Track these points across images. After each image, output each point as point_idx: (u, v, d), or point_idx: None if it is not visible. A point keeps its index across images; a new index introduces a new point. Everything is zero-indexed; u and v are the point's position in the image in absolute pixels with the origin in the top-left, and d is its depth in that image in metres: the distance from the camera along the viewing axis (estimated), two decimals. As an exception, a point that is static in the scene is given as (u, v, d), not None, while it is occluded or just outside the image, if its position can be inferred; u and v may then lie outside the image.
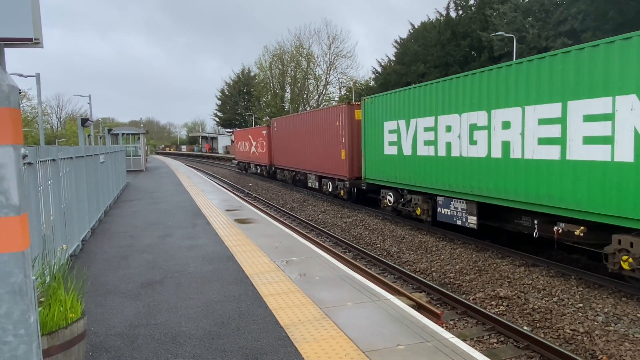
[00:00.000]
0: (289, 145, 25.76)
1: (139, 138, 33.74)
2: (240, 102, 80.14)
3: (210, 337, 4.59)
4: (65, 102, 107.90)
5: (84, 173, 9.58)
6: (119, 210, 13.52)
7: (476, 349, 6.37)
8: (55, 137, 72.79)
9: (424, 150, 13.24)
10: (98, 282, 6.48)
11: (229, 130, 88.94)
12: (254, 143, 34.15)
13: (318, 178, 22.16)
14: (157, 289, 6.12)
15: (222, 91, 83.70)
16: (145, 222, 11.35)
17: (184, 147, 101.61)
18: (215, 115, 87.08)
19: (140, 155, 32.79)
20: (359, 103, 17.69)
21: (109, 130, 30.63)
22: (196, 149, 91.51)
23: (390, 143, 15.06)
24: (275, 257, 7.69)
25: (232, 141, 67.81)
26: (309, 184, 23.41)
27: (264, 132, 30.92)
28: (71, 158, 8.26)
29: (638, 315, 7.20)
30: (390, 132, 15.02)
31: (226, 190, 20.52)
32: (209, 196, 16.82)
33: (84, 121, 18.81)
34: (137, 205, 14.52)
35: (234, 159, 45.82)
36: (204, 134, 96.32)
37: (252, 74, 78.53)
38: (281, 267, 7.06)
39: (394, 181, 14.98)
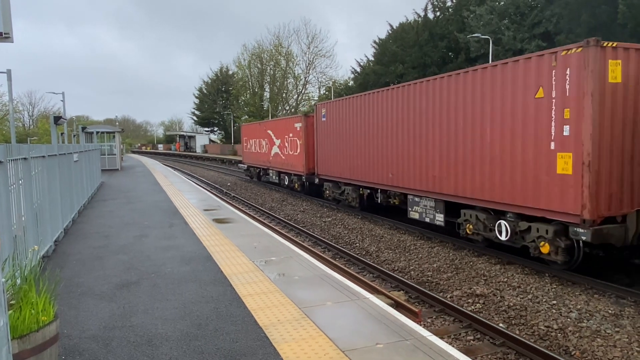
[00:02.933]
0: (356, 145, 16.03)
1: (114, 136, 33.09)
2: (219, 100, 79.44)
3: (187, 339, 4.53)
4: (38, 99, 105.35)
5: (57, 172, 9.34)
6: (93, 211, 13.24)
7: (453, 346, 6.44)
8: (27, 136, 70.93)
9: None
10: (72, 283, 6.33)
11: (207, 129, 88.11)
12: (276, 141, 24.04)
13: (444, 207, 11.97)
14: (132, 291, 6.01)
15: (200, 89, 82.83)
16: (121, 223, 11.13)
17: (160, 146, 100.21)
18: (193, 113, 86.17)
19: (115, 154, 32.18)
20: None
21: (83, 128, 29.96)
22: (173, 148, 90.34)
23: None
24: (254, 257, 7.64)
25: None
26: (414, 215, 13.06)
27: (297, 124, 21.18)
28: (43, 157, 8.04)
29: (609, 311, 7.40)
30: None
31: (204, 190, 20.31)
32: (187, 195, 16.61)
33: (57, 119, 18.36)
34: (112, 205, 14.24)
35: (239, 162, 36.19)
36: (182, 133, 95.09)
37: (230, 72, 78.02)
38: (260, 267, 7.02)
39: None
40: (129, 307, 5.42)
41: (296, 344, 4.35)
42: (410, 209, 13.33)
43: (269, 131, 25.38)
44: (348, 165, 16.66)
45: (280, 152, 23.78)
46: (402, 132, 13.40)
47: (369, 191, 15.91)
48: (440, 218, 12.10)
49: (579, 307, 7.66)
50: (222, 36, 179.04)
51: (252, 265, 7.16)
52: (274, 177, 25.49)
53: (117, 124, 71.95)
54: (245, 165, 31.21)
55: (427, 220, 12.56)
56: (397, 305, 7.53)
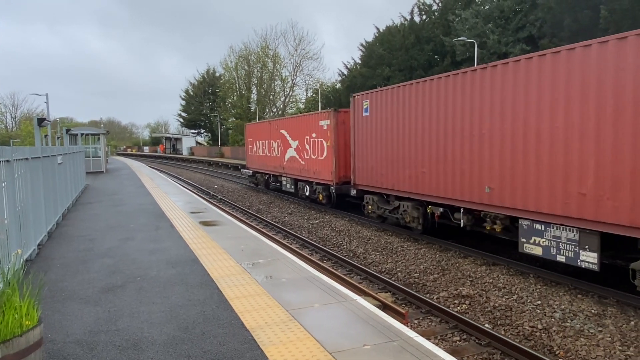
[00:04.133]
0: (421, 146, 12.16)
1: (99, 138, 32.71)
2: (206, 102, 79.05)
3: (174, 342, 4.50)
4: (21, 101, 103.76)
5: (41, 175, 9.21)
6: (77, 213, 13.07)
7: (440, 347, 6.50)
8: (10, 138, 69.74)
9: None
10: (56, 287, 6.24)
11: (193, 131, 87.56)
12: (293, 143, 20.27)
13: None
14: (118, 294, 5.95)
15: (187, 91, 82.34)
16: (106, 225, 11.01)
17: (146, 148, 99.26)
18: (180, 115, 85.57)
19: (100, 157, 31.80)
20: None
21: (67, 130, 29.56)
22: (158, 150, 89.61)
23: None
24: (241, 260, 7.61)
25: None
26: (534, 250, 9.17)
27: (323, 122, 17.35)
28: (27, 159, 7.93)
29: (592, 311, 7.53)
30: None
31: (190, 192, 20.18)
32: (173, 198, 16.49)
33: (41, 121, 18.05)
34: (97, 208, 14.07)
35: (242, 166, 32.55)
36: (168, 135, 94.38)
37: (217, 74, 77.69)
38: (247, 270, 7.00)
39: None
40: (115, 311, 5.37)
41: (284, 346, 4.35)
42: (524, 239, 9.32)
43: (283, 131, 21.33)
44: (407, 174, 12.59)
45: (298, 156, 19.88)
46: (519, 126, 9.18)
47: (441, 210, 11.77)
48: (590, 258, 8.08)
49: (562, 307, 7.78)
50: (208, 37, 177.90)
51: (239, 267, 7.14)
52: (288, 185, 21.38)
53: (102, 126, 71.15)
54: (250, 171, 26.94)
55: (562, 259, 8.59)
56: (384, 307, 7.56)
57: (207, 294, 5.91)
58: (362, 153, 15.02)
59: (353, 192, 15.74)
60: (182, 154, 77.60)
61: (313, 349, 4.29)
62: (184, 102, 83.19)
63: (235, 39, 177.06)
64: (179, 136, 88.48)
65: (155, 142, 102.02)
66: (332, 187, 17.14)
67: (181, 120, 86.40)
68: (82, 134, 31.10)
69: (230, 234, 9.92)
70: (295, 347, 4.31)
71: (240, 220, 14.84)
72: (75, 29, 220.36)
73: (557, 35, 23.70)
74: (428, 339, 6.66)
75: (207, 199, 21.41)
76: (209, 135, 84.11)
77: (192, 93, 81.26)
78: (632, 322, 7.03)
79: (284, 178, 21.95)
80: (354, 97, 15.50)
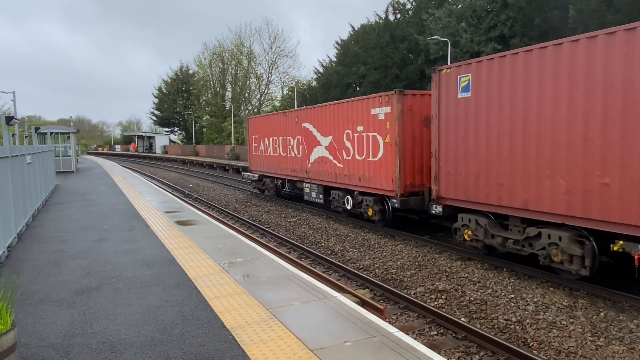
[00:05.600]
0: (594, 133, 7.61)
1: (68, 137, 31.87)
2: (179, 100, 77.90)
3: (152, 344, 4.43)
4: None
5: (9, 175, 8.92)
6: (48, 214, 12.71)
7: (418, 341, 6.59)
8: (-26, 136, 67.09)
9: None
10: (28, 290, 6.06)
11: (167, 129, 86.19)
12: (323, 140, 15.94)
13: None
14: (93, 296, 5.82)
15: (160, 89, 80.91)
16: (78, 226, 10.75)
17: (118, 147, 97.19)
18: (152, 113, 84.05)
19: (70, 156, 31.00)
20: None
21: (36, 129, 28.71)
22: (131, 149, 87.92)
23: None
24: (220, 259, 7.55)
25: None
26: None
27: (378, 111, 12.98)
28: (-6, 158, 7.67)
29: (564, 303, 7.75)
30: None
31: (165, 192, 19.88)
32: (147, 198, 16.21)
33: (9, 119, 17.45)
34: (68, 209, 13.71)
35: (242, 169, 29.50)
36: (140, 133, 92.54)
37: (191, 71, 76.68)
38: (226, 269, 6.94)
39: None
40: (90, 313, 5.25)
41: (265, 345, 4.33)
42: None
43: (307, 125, 16.83)
44: (561, 185, 8.19)
45: (331, 157, 15.42)
46: None
47: None
48: None
49: (535, 300, 7.99)
50: (181, 33, 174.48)
51: (217, 267, 7.08)
52: (313, 194, 16.92)
53: (71, 124, 69.39)
54: (256, 175, 22.25)
55: None
56: (362, 304, 7.62)
57: (186, 294, 5.84)
58: (456, 152, 10.32)
59: (435, 209, 11.08)
60: (155, 153, 76.32)
61: (294, 346, 4.29)
62: (156, 100, 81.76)
63: (209, 36, 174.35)
64: (152, 134, 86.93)
65: (127, 140, 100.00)
66: (394, 200, 12.47)
67: (154, 118, 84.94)
68: (51, 133, 30.24)
69: (207, 233, 9.82)
70: (277, 346, 4.31)
71: (217, 220, 14.70)
72: (40, 24, 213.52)
73: (527, 35, 24.26)
74: (406, 333, 6.75)
75: (182, 198, 21.12)
76: (183, 133, 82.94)
77: (165, 90, 79.92)
78: (602, 313, 7.27)
79: (307, 184, 17.27)
80: (441, 71, 10.66)
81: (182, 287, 6.09)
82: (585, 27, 18.17)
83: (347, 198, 14.83)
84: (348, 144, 14.48)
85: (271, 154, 20.25)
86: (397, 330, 4.65)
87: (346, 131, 14.52)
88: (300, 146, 17.46)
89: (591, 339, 6.51)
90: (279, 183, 20.23)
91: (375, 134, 13.16)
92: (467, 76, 10.19)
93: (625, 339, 6.43)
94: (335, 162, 15.23)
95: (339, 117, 14.95)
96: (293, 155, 18.12)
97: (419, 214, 13.21)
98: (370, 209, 13.72)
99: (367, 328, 4.71)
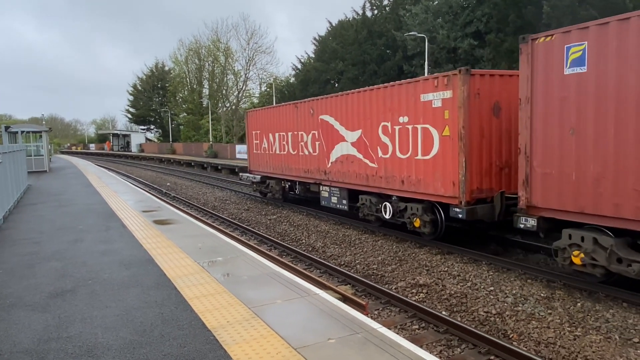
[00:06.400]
0: None
1: (41, 136, 30.99)
2: (155, 97, 76.67)
3: (131, 347, 4.32)
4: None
5: (-23, 175, 8.60)
6: (20, 215, 12.33)
7: (401, 335, 6.62)
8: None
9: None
10: (0, 294, 5.85)
11: (142, 127, 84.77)
12: (348, 135, 13.54)
13: None
14: (68, 299, 5.65)
15: (135, 86, 79.44)
16: (52, 227, 10.45)
17: (92, 146, 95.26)
18: (128, 111, 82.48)
19: (43, 155, 30.15)
20: None
21: (7, 128, 27.85)
22: (105, 148, 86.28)
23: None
24: (199, 258, 7.43)
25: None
26: None
27: (434, 97, 10.44)
28: (-39, 158, 7.37)
29: (542, 295, 7.89)
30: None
31: (142, 191, 19.52)
32: (123, 197, 15.88)
33: (-24, 118, 16.90)
34: (41, 209, 13.33)
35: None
36: (115, 132, 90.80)
37: (166, 68, 75.49)
38: (206, 268, 6.83)
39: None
40: (65, 317, 5.09)
41: (247, 344, 4.27)
42: None
43: (326, 117, 14.40)
44: None
45: (360, 154, 12.91)
46: None
47: None
48: None
49: (514, 292, 8.11)
50: (155, 29, 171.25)
51: (197, 266, 6.96)
52: (334, 198, 14.39)
53: (43, 122, 67.51)
54: (258, 176, 19.58)
55: None
56: (344, 300, 7.61)
57: (165, 294, 5.72)
58: (562, 146, 7.96)
59: (525, 222, 8.60)
60: (131, 151, 74.96)
61: (277, 345, 4.24)
62: (132, 97, 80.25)
63: (185, 32, 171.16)
64: (127, 133, 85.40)
65: (102, 139, 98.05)
66: (456, 209, 10.00)
67: (129, 116, 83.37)
68: (22, 132, 29.37)
69: (186, 232, 9.66)
70: (259, 345, 4.25)
71: (196, 218, 14.50)
72: (7, 20, 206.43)
73: (502, 30, 24.57)
74: (389, 328, 6.77)
75: (160, 197, 20.78)
76: (160, 131, 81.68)
77: (140, 88, 78.49)
78: (579, 304, 7.42)
79: (326, 188, 14.73)
80: (535, 40, 8.26)
81: (161, 288, 5.97)
82: (559, 22, 18.50)
83: (385, 205, 12.05)
84: (385, 139, 11.90)
85: (277, 152, 17.73)
86: (380, 325, 4.64)
87: (382, 123, 11.93)
88: (317, 143, 14.98)
89: (569, 329, 6.64)
90: (286, 185, 17.76)
91: (427, 125, 10.63)
92: (581, 45, 7.66)
93: (602, 329, 6.58)
94: (367, 161, 12.65)
95: (371, 106, 12.40)
96: (306, 153, 15.66)
97: (478, 224, 10.88)
98: (417, 219, 11.04)
99: (350, 324, 4.69)
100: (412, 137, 11.08)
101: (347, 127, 13.47)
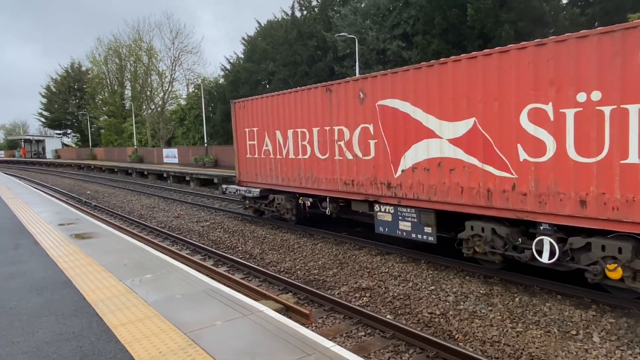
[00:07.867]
0: None
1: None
2: (72, 99, 71.53)
3: (43, 392, 3.66)
4: None
5: None
6: None
7: (346, 344, 6.36)
8: None
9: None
10: None
11: (58, 131, 78.92)
12: (443, 129, 8.86)
13: None
14: (-36, 337, 4.78)
15: (48, 88, 73.60)
16: (-52, 248, 9.11)
17: (1, 153, 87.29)
18: (41, 115, 76.22)
19: (-61, 165, 26.94)
20: None
21: None
22: (17, 154, 79.36)
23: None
24: (125, 277, 6.70)
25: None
26: None
27: None
28: None
29: (481, 291, 7.97)
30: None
31: (58, 201, 17.88)
32: (36, 209, 14.39)
33: None
34: None
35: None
36: (28, 137, 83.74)
37: (84, 68, 70.71)
38: (133, 289, 6.14)
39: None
40: (-41, 360, 4.28)
41: (184, 378, 3.76)
42: None
43: (392, 102, 9.99)
44: None
45: (472, 157, 8.47)
46: None
47: None
48: None
49: (454, 290, 8.14)
50: (68, 26, 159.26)
51: (122, 287, 6.25)
52: (407, 225, 9.95)
53: (-60, 128, 60.62)
54: (255, 190, 14.68)
55: None
56: (287, 309, 7.24)
57: (84, 323, 5.01)
58: None
59: None
60: (46, 158, 69.48)
61: (219, 376, 3.77)
62: (45, 100, 74.31)
63: (101, 30, 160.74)
64: (41, 138, 79.11)
65: (12, 145, 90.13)
66: None
67: (43, 120, 77.12)
68: None
69: (110, 246, 8.79)
70: (198, 377, 3.75)
71: (121, 230, 13.43)
72: None
73: (429, 32, 25.25)
74: (334, 338, 6.48)
75: (79, 206, 19.19)
76: (78, 135, 76.43)
77: (54, 89, 72.86)
78: (517, 299, 7.56)
79: (390, 207, 10.37)
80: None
81: (80, 315, 5.24)
82: (482, 25, 19.37)
83: (544, 242, 7.59)
84: (538, 132, 7.46)
85: (292, 156, 13.08)
86: (333, 344, 4.30)
87: (531, 106, 7.52)
88: (372, 142, 10.58)
89: (511, 325, 6.71)
90: (307, 203, 13.08)
91: None
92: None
93: (541, 323, 6.71)
94: (490, 167, 8.18)
95: (500, 80, 7.91)
96: (349, 157, 11.17)
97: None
98: (619, 268, 6.80)
99: (300, 345, 4.30)
100: (610, 125, 6.68)
101: (441, 116, 9.00)
